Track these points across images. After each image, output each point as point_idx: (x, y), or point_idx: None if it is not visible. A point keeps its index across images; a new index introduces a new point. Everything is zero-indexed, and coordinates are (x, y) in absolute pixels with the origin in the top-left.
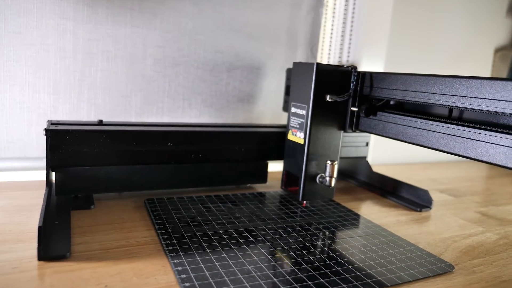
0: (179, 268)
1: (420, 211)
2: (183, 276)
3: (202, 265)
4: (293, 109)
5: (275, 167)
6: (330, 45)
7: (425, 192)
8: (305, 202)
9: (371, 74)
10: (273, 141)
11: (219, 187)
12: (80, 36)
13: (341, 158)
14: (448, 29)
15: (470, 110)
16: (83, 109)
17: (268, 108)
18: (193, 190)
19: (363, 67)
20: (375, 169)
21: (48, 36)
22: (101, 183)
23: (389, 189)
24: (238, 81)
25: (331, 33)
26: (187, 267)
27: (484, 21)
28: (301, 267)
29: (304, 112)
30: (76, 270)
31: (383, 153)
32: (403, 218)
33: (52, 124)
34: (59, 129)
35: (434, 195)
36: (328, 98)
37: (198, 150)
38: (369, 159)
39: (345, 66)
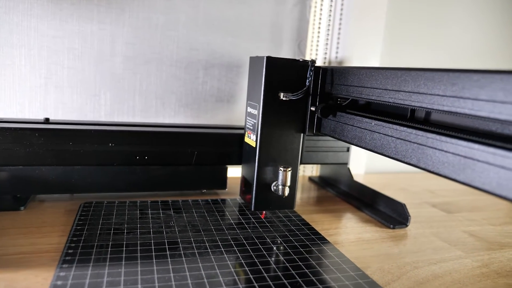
0: (58, 283)
1: (393, 228)
2: None
3: (87, 281)
4: (248, 109)
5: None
6: (318, 40)
7: (402, 206)
8: (264, 212)
9: (332, 69)
10: (234, 144)
11: (177, 192)
12: (45, 33)
13: (321, 164)
14: (461, 18)
15: (418, 108)
16: (49, 107)
17: None
18: (145, 194)
19: (355, 65)
20: (369, 177)
21: (13, 33)
22: (36, 184)
23: (366, 201)
24: (216, 79)
25: (319, 27)
26: (69, 281)
27: (507, 13)
28: None
29: (256, 112)
30: None
31: (381, 159)
32: (367, 236)
33: None
34: None
35: (422, 210)
36: (281, 96)
37: (143, 152)
38: (364, 166)
39: (301, 60)
